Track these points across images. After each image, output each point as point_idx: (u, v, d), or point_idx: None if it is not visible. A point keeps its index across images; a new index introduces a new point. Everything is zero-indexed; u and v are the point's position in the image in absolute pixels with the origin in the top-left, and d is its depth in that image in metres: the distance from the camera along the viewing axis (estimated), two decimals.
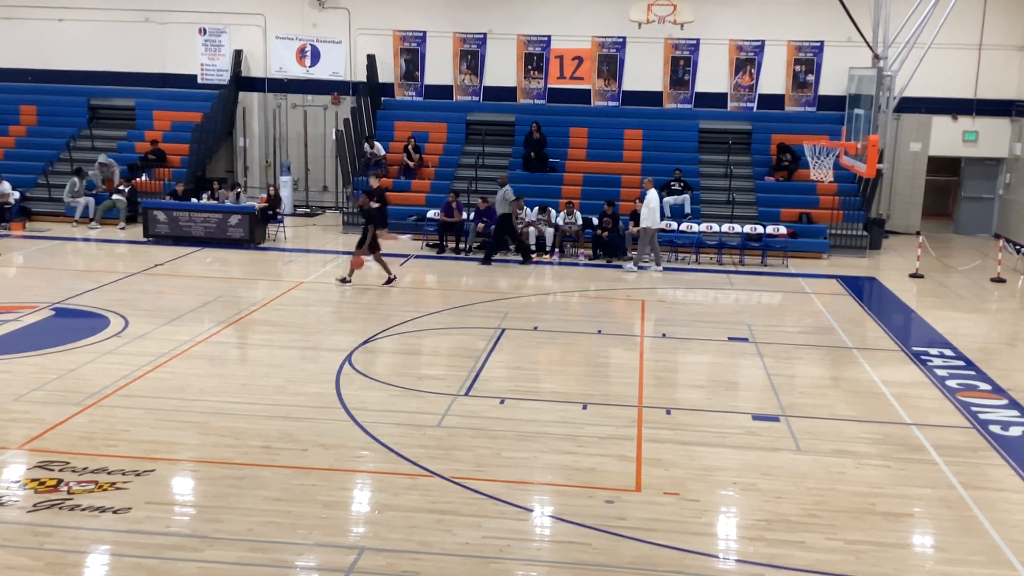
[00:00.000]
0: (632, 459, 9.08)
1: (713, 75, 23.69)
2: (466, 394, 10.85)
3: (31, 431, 9.17)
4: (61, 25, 24.49)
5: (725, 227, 20.46)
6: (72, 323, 13.46)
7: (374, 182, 18.68)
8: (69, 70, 24.76)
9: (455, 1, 24.24)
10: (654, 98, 24.00)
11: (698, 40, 23.48)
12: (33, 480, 8.12)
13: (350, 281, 16.40)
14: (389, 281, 16.54)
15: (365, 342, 12.87)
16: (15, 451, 8.73)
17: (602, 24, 23.75)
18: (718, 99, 23.80)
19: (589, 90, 24.18)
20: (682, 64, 23.82)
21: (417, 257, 19.17)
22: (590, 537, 7.46)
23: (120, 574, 6.76)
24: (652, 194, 18.73)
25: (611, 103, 24.18)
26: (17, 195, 21.06)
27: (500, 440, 9.45)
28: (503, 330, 13.70)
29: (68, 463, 8.44)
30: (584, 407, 10.52)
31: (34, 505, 7.65)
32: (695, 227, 20.54)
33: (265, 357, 12.31)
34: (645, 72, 23.84)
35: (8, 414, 9.63)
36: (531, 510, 8.02)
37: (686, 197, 21.29)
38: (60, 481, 8.08)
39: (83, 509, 7.59)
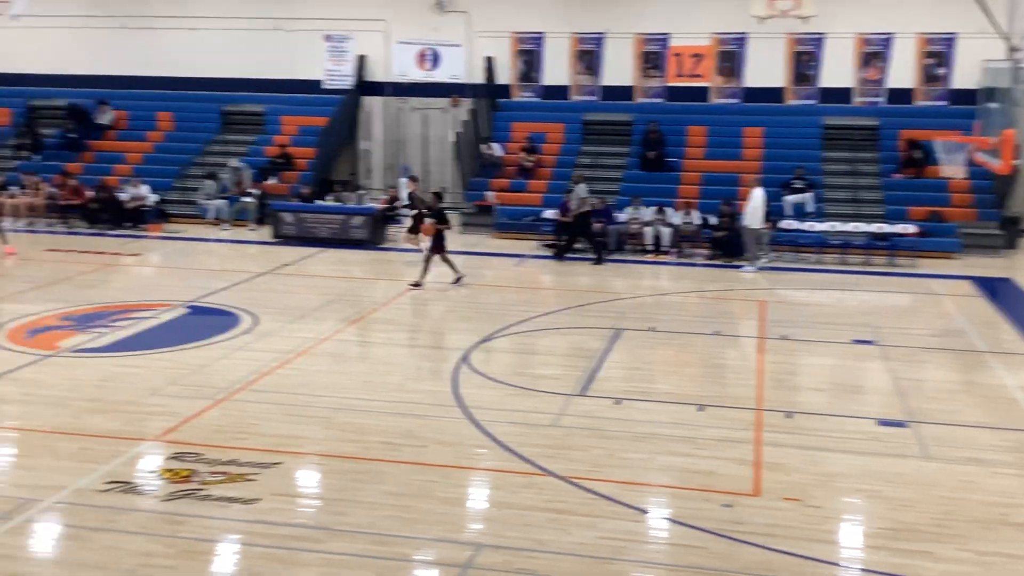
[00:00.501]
0: (750, 463, 8.93)
1: (838, 70, 23.03)
2: (581, 394, 10.87)
3: (166, 423, 9.64)
4: (196, 35, 25.58)
5: (850, 226, 19.86)
6: (205, 320, 14.07)
7: (410, 186, 18.64)
8: (203, 78, 25.84)
9: (573, 2, 24.27)
10: (775, 94, 23.49)
11: (822, 34, 22.87)
12: (168, 470, 8.52)
13: (422, 285, 16.15)
14: (458, 280, 16.31)
15: (482, 341, 13.02)
16: (152, 442, 9.18)
17: (722, 20, 23.39)
18: (843, 94, 23.12)
19: (708, 88, 23.85)
20: (805, 59, 23.24)
21: (533, 257, 19.27)
22: (707, 541, 7.38)
23: (248, 563, 7.04)
24: (757, 192, 18.36)
25: (731, 100, 23.78)
26: (155, 198, 22.11)
27: (615, 441, 9.43)
28: (619, 330, 13.66)
29: (201, 455, 8.82)
30: (700, 409, 10.40)
31: (169, 494, 8.03)
32: (817, 226, 20.02)
33: (385, 355, 12.61)
34: (766, 68, 23.36)
35: (145, 407, 10.14)
36: (646, 512, 7.98)
37: (808, 195, 20.76)
38: (193, 472, 8.46)
39: (214, 499, 7.93)
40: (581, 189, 19.27)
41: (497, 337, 13.34)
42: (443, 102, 25.12)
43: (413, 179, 18.64)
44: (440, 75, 24.93)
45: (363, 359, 12.73)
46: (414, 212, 17.99)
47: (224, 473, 8.43)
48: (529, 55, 24.64)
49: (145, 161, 24.26)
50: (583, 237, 19.19)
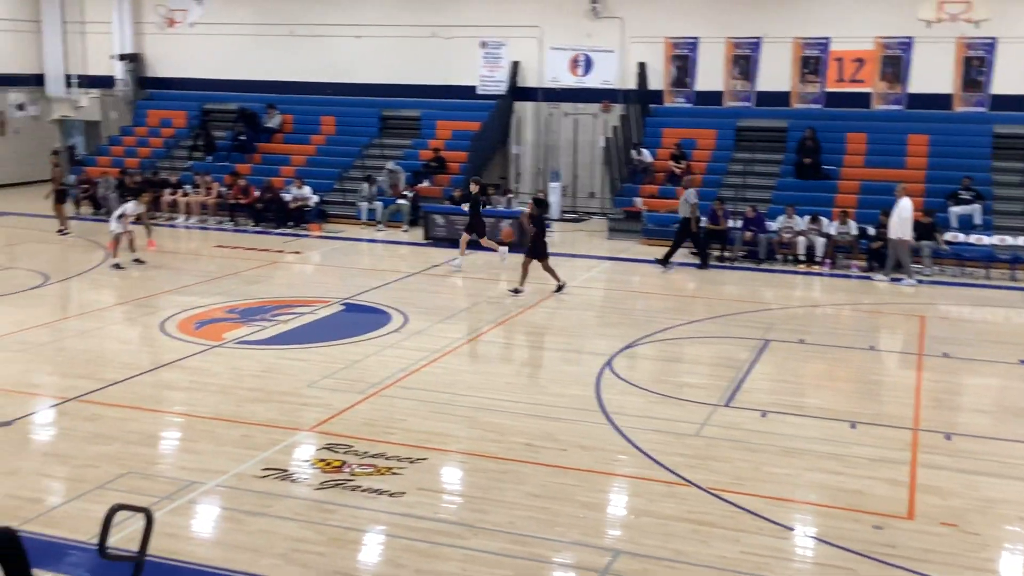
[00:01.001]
0: (904, 484, 8.57)
1: (1012, 76, 21.76)
2: (727, 405, 10.69)
3: (321, 415, 10.04)
4: (359, 42, 26.47)
5: (1021, 240, 18.74)
6: (359, 318, 14.57)
7: (473, 187, 18.45)
8: (364, 83, 26.73)
9: (729, 6, 23.87)
10: (942, 101, 22.41)
11: (995, 39, 21.68)
12: (321, 460, 8.88)
13: (522, 291, 15.98)
14: (559, 289, 16.00)
15: (626, 347, 12.98)
16: (307, 432, 9.59)
17: (886, 24, 22.50)
18: (1016, 101, 21.84)
19: (869, 94, 23.00)
20: (976, 64, 22.08)
21: (680, 264, 19.06)
22: (855, 563, 7.14)
23: (393, 554, 7.26)
24: (904, 203, 17.55)
25: (894, 107, 22.86)
26: (316, 199, 23.03)
27: (761, 454, 9.23)
28: (768, 341, 13.35)
29: (351, 447, 9.16)
30: (852, 426, 10.05)
31: (321, 483, 8.37)
32: (985, 239, 18.98)
33: (529, 357, 12.75)
34: (933, 73, 22.31)
35: (302, 398, 10.60)
36: (792, 529, 7.79)
37: (976, 207, 19.71)
38: (344, 463, 8.78)
39: (363, 490, 8.21)
40: (691, 194, 19.00)
41: (642, 344, 13.26)
42: (594, 107, 25.15)
43: (476, 181, 18.57)
44: (592, 80, 24.96)
45: (507, 361, 12.91)
46: (473, 212, 18.08)
47: (372, 466, 8.72)
48: (682, 60, 24.37)
49: (308, 163, 25.28)
50: (690, 241, 18.91)
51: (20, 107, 29.31)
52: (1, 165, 27.92)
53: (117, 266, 17.29)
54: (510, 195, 23.06)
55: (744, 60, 23.85)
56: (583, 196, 25.68)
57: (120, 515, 5.08)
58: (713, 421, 10.15)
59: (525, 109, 25.83)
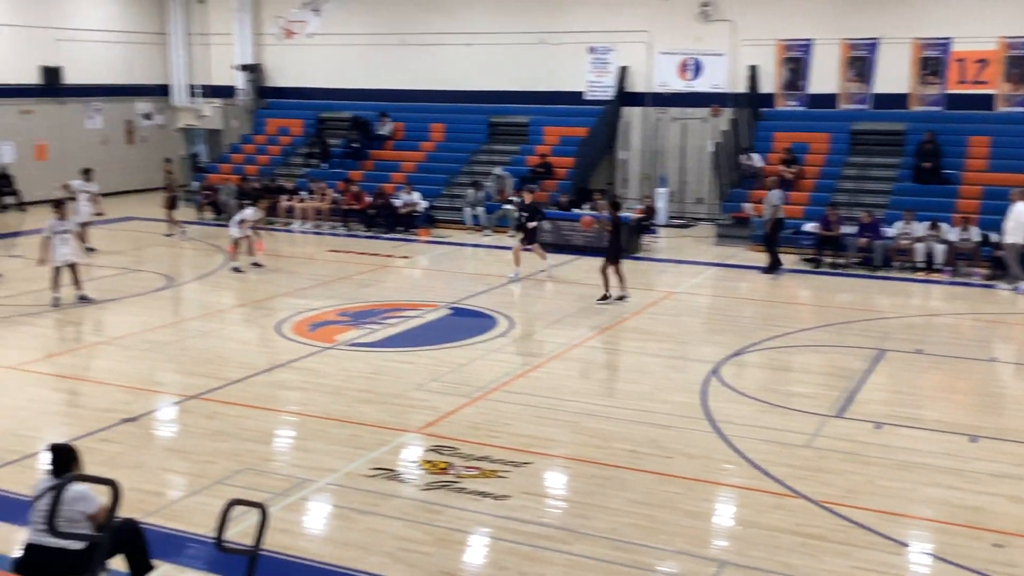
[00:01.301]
0: None
1: None
2: (839, 416, 10.43)
3: (427, 417, 10.22)
4: (469, 50, 26.83)
5: None
6: (466, 322, 14.75)
7: (527, 197, 18.07)
8: (473, 90, 27.06)
9: (844, 7, 23.28)
10: None
11: None
12: (427, 462, 9.04)
13: (611, 296, 15.73)
14: (621, 298, 15.68)
15: (734, 355, 12.79)
16: (414, 434, 9.77)
17: (1011, 24, 21.59)
18: None
19: (993, 95, 22.09)
20: None
21: (791, 271, 18.67)
22: None
23: (497, 556, 7.34)
24: (1019, 207, 16.76)
25: (1019, 109, 21.89)
26: (425, 204, 23.42)
27: (874, 467, 8.98)
28: (883, 351, 12.96)
29: (457, 449, 9.29)
30: (972, 440, 9.68)
31: (427, 484, 8.52)
32: None
33: (634, 364, 12.68)
34: None
35: (410, 400, 10.80)
36: (907, 544, 7.56)
37: None
38: (450, 465, 8.92)
39: (468, 492, 8.32)
40: (775, 196, 18.59)
41: (750, 351, 13.05)
42: (703, 112, 24.87)
43: (531, 190, 18.29)
44: (701, 85, 24.70)
45: (612, 367, 12.88)
46: (526, 222, 17.73)
47: (478, 468, 8.82)
48: (795, 62, 23.88)
49: (418, 169, 25.72)
50: (769, 245, 18.53)
51: (147, 116, 30.72)
52: (129, 172, 29.28)
53: (237, 269, 17.93)
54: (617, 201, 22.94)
55: (860, 62, 23.22)
56: (690, 202, 25.41)
57: (236, 510, 5.29)
58: (824, 432, 9.92)
59: (632, 114, 25.71)
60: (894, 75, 22.84)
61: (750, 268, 18.64)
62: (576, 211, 21.84)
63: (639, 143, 25.83)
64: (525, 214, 17.84)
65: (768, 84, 24.14)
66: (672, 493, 8.37)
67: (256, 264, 18.21)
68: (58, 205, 15.36)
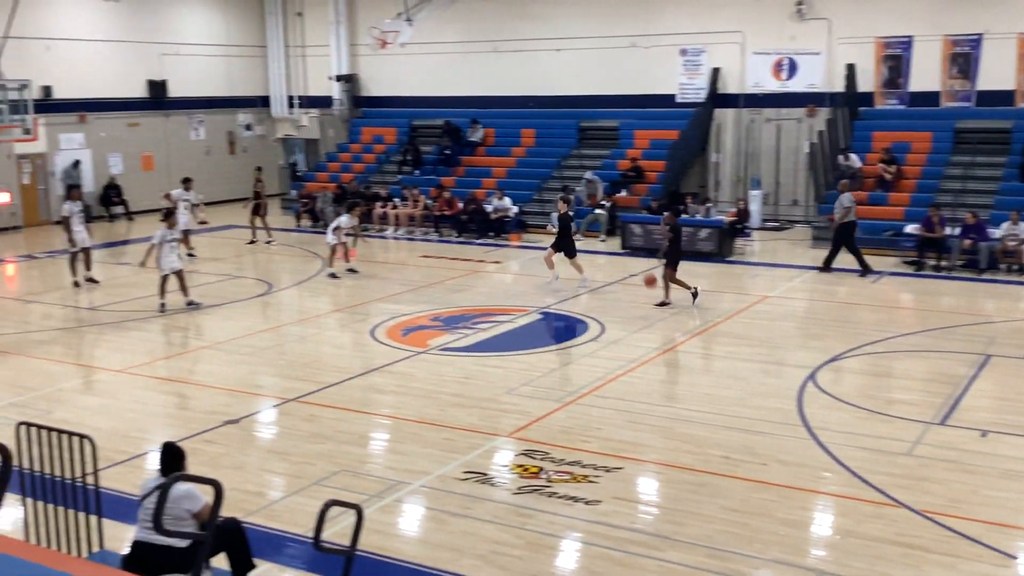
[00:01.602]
0: None
1: None
2: (942, 423, 10.10)
3: (519, 422, 10.27)
4: (559, 55, 26.88)
5: None
6: (557, 327, 14.78)
7: (562, 207, 17.37)
8: (563, 95, 27.11)
9: (946, 3, 22.56)
10: None
11: None
12: (519, 466, 9.09)
13: (670, 303, 15.56)
14: (663, 304, 15.49)
15: (831, 360, 12.51)
16: (505, 438, 9.83)
17: None
18: None
19: None
20: None
21: (892, 274, 18.17)
22: None
23: (588, 561, 7.33)
24: None
25: None
26: (516, 209, 23.54)
27: (979, 476, 8.68)
28: (989, 356, 12.51)
29: (548, 453, 9.31)
30: None
31: (519, 488, 8.56)
32: None
33: (728, 369, 12.51)
34: None
35: (501, 405, 10.87)
36: (1015, 557, 7.28)
37: None
38: (541, 469, 8.95)
39: (559, 497, 8.34)
40: (846, 198, 18.10)
41: (848, 357, 12.75)
42: (798, 112, 24.40)
43: (565, 200, 17.66)
44: (796, 85, 24.24)
45: (705, 371, 12.73)
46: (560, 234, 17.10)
47: (569, 473, 8.83)
48: (895, 60, 23.23)
49: (508, 175, 25.88)
50: (846, 248, 18.08)
51: (248, 127, 31.65)
52: (231, 182, 30.17)
53: (333, 275, 18.33)
54: (709, 204, 22.71)
55: (963, 58, 22.46)
56: (785, 204, 24.95)
57: (333, 510, 5.41)
58: (926, 440, 9.62)
59: (725, 116, 25.39)
60: (999, 71, 22.03)
61: (848, 271, 18.20)
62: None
63: (732, 145, 25.49)
64: (557, 227, 17.13)
65: (866, 83, 23.54)
66: (767, 501, 8.24)
67: (351, 270, 18.57)
68: (168, 215, 15.97)
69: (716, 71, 25.15)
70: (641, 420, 10.30)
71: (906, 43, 23.03)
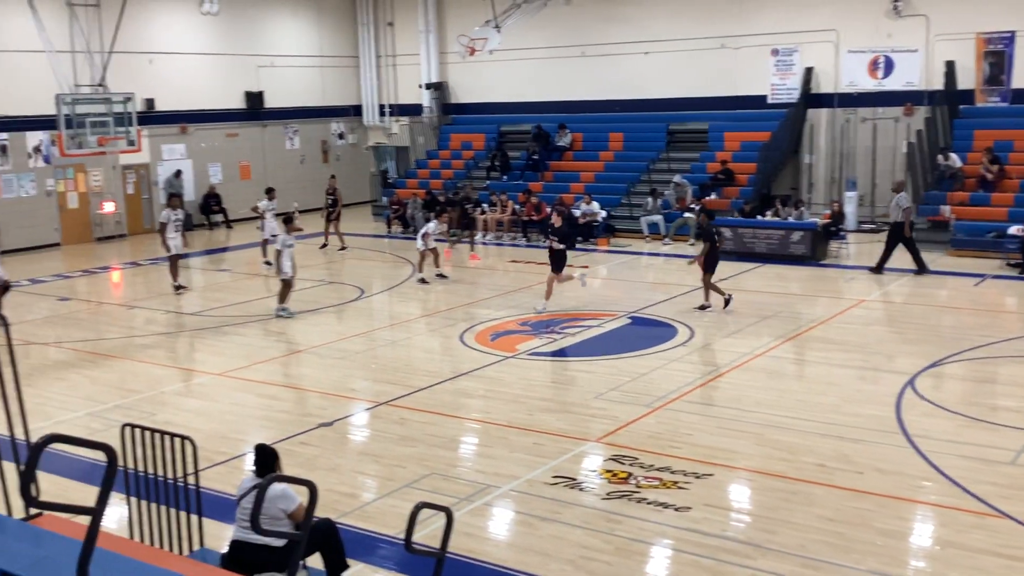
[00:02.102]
0: None
1: None
2: None
3: (607, 427, 10.24)
4: (647, 58, 26.73)
5: None
6: (645, 331, 14.68)
7: (556, 220, 16.60)
8: (652, 98, 26.93)
9: None
10: None
11: None
12: (607, 471, 9.06)
13: (709, 306, 15.41)
14: (702, 308, 15.39)
15: (931, 366, 12.14)
16: (594, 443, 9.82)
17: None
18: None
19: None
20: None
21: (995, 277, 17.53)
22: None
23: (678, 568, 7.27)
24: None
25: None
26: (604, 214, 23.47)
27: None
28: None
29: (637, 459, 9.26)
30: None
31: (607, 494, 8.54)
32: None
33: (822, 374, 12.25)
34: None
35: (590, 410, 10.86)
36: None
37: None
38: (630, 475, 8.91)
39: (648, 503, 8.29)
40: (903, 198, 17.50)
41: (949, 362, 12.35)
42: (895, 111, 23.75)
43: (560, 212, 16.86)
44: (893, 83, 23.60)
45: (798, 377, 12.49)
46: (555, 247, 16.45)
47: (658, 479, 8.77)
48: (997, 56, 22.42)
49: (596, 179, 25.83)
50: (905, 247, 17.81)
51: (340, 136, 32.31)
52: (323, 190, 30.81)
53: (423, 281, 18.56)
54: (802, 207, 22.27)
55: None
56: (882, 205, 24.24)
57: (423, 513, 5.49)
58: None
59: (819, 116, 24.88)
60: None
61: (949, 274, 17.65)
62: (760, 218, 21.36)
63: (826, 146, 24.96)
64: (555, 238, 15.80)
65: (967, 80, 22.78)
66: (863, 510, 8.04)
67: (440, 275, 18.78)
68: (288, 222, 16.42)
69: (809, 71, 24.67)
70: (732, 426, 10.16)
71: (1008, 38, 22.21)
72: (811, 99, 24.77)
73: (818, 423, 10.18)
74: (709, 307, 15.46)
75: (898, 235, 17.91)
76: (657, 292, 17.33)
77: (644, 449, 9.50)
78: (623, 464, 9.15)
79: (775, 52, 25.05)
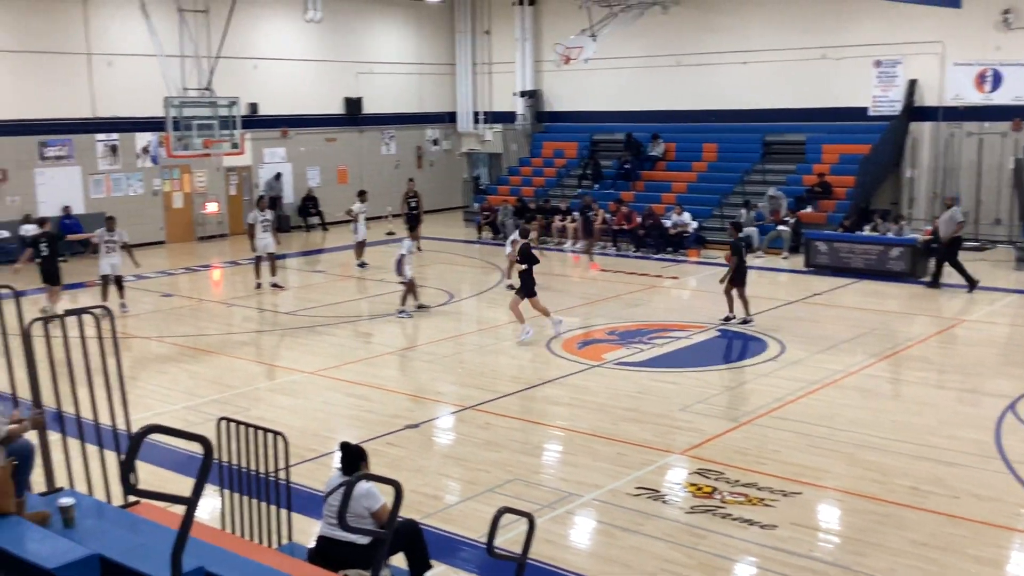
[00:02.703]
0: None
1: None
2: None
3: (692, 440, 10.14)
4: (745, 68, 26.38)
5: None
6: (734, 344, 14.49)
7: (513, 250, 15.73)
8: (747, 109, 26.58)
9: None
10: None
11: None
12: (692, 484, 8.97)
13: (733, 317, 15.35)
14: (726, 319, 15.34)
15: None
16: (678, 455, 9.73)
17: None
18: None
19: None
20: None
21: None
22: None
23: None
24: None
25: None
26: (695, 225, 23.24)
27: None
28: None
29: (722, 474, 9.15)
30: None
31: (691, 507, 8.45)
32: None
33: (918, 395, 11.90)
34: None
35: (675, 422, 10.77)
36: None
37: None
38: (715, 489, 8.80)
39: (733, 519, 8.17)
40: (956, 213, 16.79)
41: None
42: (1003, 126, 22.92)
43: (524, 231, 16.21)
44: (1001, 97, 22.78)
45: (893, 397, 12.15)
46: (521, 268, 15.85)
47: (744, 495, 8.65)
48: None
49: (688, 190, 25.59)
50: (950, 263, 17.41)
51: (435, 142, 32.73)
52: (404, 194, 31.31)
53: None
54: (902, 222, 21.67)
55: None
56: (987, 223, 23.47)
57: (505, 518, 5.53)
58: None
59: (922, 130, 24.19)
60: None
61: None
62: (859, 232, 20.87)
63: (928, 160, 24.24)
64: (518, 259, 14.81)
65: None
66: (958, 536, 7.79)
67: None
68: (412, 226, 16.76)
69: (912, 83, 24.01)
70: (822, 444, 9.96)
71: None
72: (914, 112, 24.10)
73: (913, 445, 9.90)
74: (733, 318, 15.45)
75: (954, 250, 17.87)
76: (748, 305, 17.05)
77: (730, 464, 9.38)
78: (708, 478, 9.05)
79: (877, 63, 24.44)
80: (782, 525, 8.03)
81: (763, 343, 14.27)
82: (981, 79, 23.02)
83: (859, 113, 24.87)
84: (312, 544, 6.52)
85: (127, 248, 17.32)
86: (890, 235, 20.36)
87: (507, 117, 31.55)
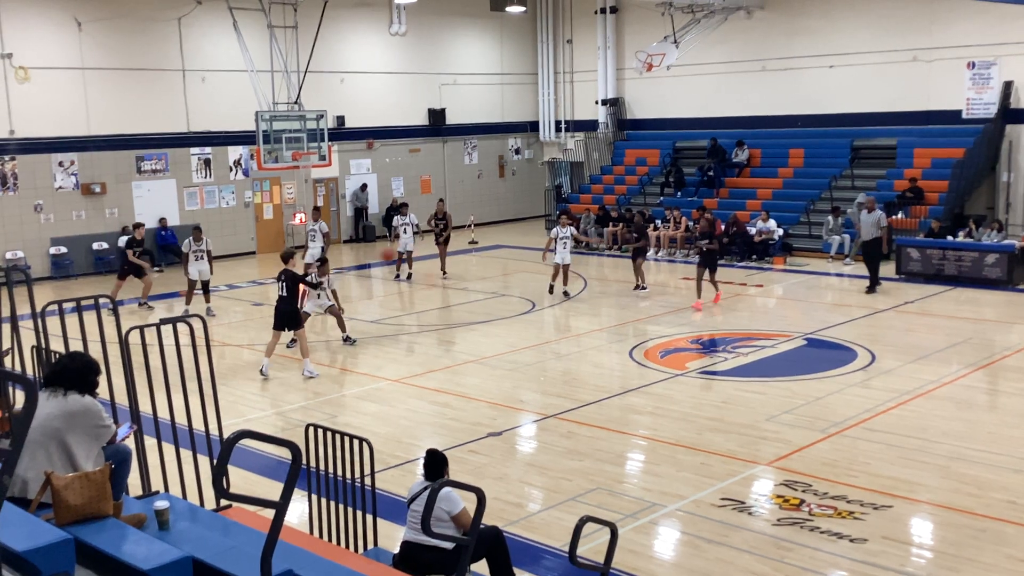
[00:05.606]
0: None
1: None
2: None
3: (779, 451, 9.96)
4: (831, 72, 25.88)
5: None
6: (822, 353, 14.19)
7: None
8: (835, 113, 26.04)
9: None
10: None
11: None
12: (778, 496, 8.82)
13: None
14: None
15: None
16: (764, 467, 9.58)
17: None
18: None
19: None
20: None
21: None
22: None
23: None
24: None
25: None
26: (781, 231, 22.85)
27: None
28: None
29: (810, 485, 8.97)
30: None
31: (778, 520, 8.31)
32: None
33: (1016, 407, 11.49)
34: None
35: (760, 432, 10.60)
36: None
37: None
38: (802, 501, 8.64)
39: (821, 532, 8.01)
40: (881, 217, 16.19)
41: None
42: None
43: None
44: None
45: (989, 408, 11.76)
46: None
47: (832, 508, 8.47)
48: None
49: (774, 196, 25.18)
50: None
51: (517, 151, 32.88)
52: (501, 203, 31.51)
53: (567, 294, 18.59)
54: (998, 227, 20.95)
55: None
56: None
57: (588, 527, 5.53)
58: None
59: (1018, 132, 23.37)
60: None
61: None
62: (951, 239, 20.26)
63: None
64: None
65: None
66: None
67: (565, 294, 18.75)
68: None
69: (1008, 84, 23.22)
70: (915, 457, 9.69)
71: None
72: (1010, 114, 23.30)
73: (1011, 458, 9.56)
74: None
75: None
76: (835, 314, 16.72)
77: (818, 476, 9.20)
78: (795, 490, 8.89)
79: (971, 65, 23.72)
80: (872, 539, 7.84)
81: (852, 352, 13.95)
82: None
83: (952, 116, 24.15)
84: (396, 549, 6.61)
85: (210, 257, 17.98)
86: (985, 241, 19.71)
87: (589, 125, 31.52)
